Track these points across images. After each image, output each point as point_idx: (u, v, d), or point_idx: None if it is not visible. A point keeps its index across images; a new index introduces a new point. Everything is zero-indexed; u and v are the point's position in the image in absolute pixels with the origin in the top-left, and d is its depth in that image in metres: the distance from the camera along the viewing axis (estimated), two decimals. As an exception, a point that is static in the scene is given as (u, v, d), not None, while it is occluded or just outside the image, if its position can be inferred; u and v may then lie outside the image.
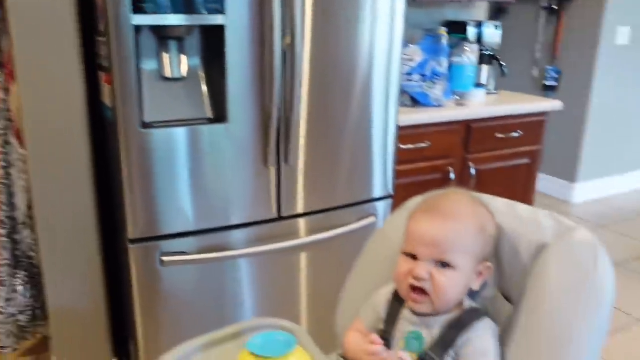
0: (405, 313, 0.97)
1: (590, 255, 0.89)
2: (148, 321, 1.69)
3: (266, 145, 1.67)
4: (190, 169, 1.59)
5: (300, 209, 1.81)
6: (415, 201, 1.05)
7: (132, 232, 1.58)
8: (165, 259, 1.62)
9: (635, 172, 4.27)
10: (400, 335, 0.95)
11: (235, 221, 1.71)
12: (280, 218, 1.79)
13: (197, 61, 1.63)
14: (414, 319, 0.95)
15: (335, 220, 1.88)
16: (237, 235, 1.73)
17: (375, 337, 0.92)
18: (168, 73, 1.56)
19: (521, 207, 1.02)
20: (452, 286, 0.92)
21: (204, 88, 1.63)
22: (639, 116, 4.08)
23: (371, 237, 1.18)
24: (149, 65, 1.56)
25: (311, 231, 1.85)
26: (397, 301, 0.99)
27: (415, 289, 0.92)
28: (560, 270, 0.90)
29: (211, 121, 1.62)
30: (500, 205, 1.04)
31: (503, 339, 0.93)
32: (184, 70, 1.59)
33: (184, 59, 1.59)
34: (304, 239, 1.82)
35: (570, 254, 0.90)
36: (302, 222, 1.84)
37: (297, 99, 1.64)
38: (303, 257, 1.88)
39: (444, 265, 0.91)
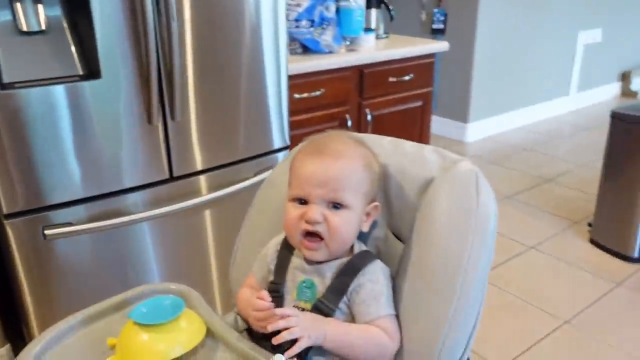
0: (296, 262, 0.94)
1: (472, 185, 0.90)
2: (40, 301, 1.58)
3: (148, 101, 1.56)
4: (66, 132, 1.46)
5: (198, 166, 1.74)
6: (297, 147, 1.00)
7: (6, 205, 1.44)
8: (48, 232, 1.51)
9: (522, 109, 4.51)
10: (293, 285, 0.92)
11: (125, 185, 1.61)
12: (173, 178, 1.70)
13: (57, 11, 1.47)
14: (305, 267, 0.92)
15: (235, 175, 1.83)
16: (130, 199, 1.63)
17: (264, 293, 0.88)
18: (24, 26, 1.39)
19: (407, 144, 1.01)
20: (347, 227, 0.89)
21: (70, 41, 1.48)
22: (523, 55, 4.28)
23: (259, 189, 1.13)
24: (0, 17, 1.39)
25: (211, 188, 1.79)
26: (286, 250, 0.96)
27: (308, 234, 0.89)
28: (446, 202, 0.90)
29: (82, 78, 1.48)
30: (385, 143, 1.02)
31: (397, 278, 0.93)
32: (42, 21, 1.42)
33: (40, 8, 1.42)
34: (202, 198, 1.76)
35: (454, 186, 0.91)
36: (201, 180, 1.77)
37: (176, 49, 1.54)
38: (207, 215, 1.83)
39: (336, 206, 0.88)
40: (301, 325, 0.81)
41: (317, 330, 0.82)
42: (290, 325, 0.80)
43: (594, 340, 2.04)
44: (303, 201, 0.89)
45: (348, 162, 0.90)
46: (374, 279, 0.89)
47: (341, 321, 0.88)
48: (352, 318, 0.89)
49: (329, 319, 0.87)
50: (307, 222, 0.88)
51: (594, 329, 2.09)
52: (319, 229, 0.88)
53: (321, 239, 0.88)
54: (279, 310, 0.83)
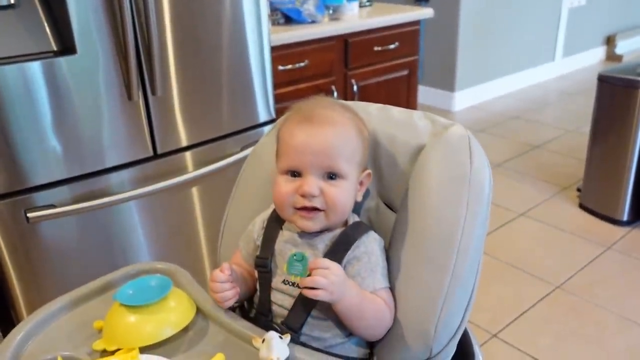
0: (286, 235, 0.90)
1: (465, 149, 0.87)
2: (27, 285, 1.54)
3: (127, 76, 1.51)
4: (44, 110, 1.41)
5: (182, 142, 1.70)
6: (282, 117, 0.96)
7: (-15, 189, 1.40)
8: (31, 215, 1.46)
9: (508, 76, 4.48)
10: (282, 259, 0.88)
11: (109, 164, 1.57)
12: (157, 155, 1.66)
13: (27, -16, 1.41)
14: (296, 240, 0.89)
15: (221, 151, 1.79)
16: (114, 179, 1.59)
17: (225, 265, 0.85)
18: (-8, 0, 1.33)
19: (395, 110, 0.98)
20: (345, 197, 0.85)
21: (42, 16, 1.42)
22: (507, 21, 4.24)
23: (245, 163, 1.10)
24: (-34, -9, 1.33)
25: (196, 165, 1.75)
26: (275, 223, 0.92)
27: (304, 208, 0.84)
28: (438, 168, 0.87)
29: (57, 54, 1.42)
30: (373, 110, 0.99)
31: (390, 249, 0.91)
32: (11, -5, 1.37)
33: (8, -19, 1.36)
34: (189, 175, 1.72)
35: (445, 152, 0.88)
36: (187, 156, 1.74)
37: (153, 21, 1.48)
38: (194, 192, 1.80)
39: (332, 176, 0.84)
40: (329, 279, 0.77)
41: (339, 289, 0.79)
42: (317, 274, 0.77)
43: (585, 304, 2.05)
44: (296, 173, 0.85)
45: (341, 129, 0.86)
46: (369, 251, 0.86)
47: (358, 287, 0.84)
48: None
49: (349, 281, 0.83)
50: (303, 196, 0.83)
51: (586, 293, 2.10)
52: (316, 203, 0.84)
53: (319, 211, 0.85)
54: (313, 263, 0.80)
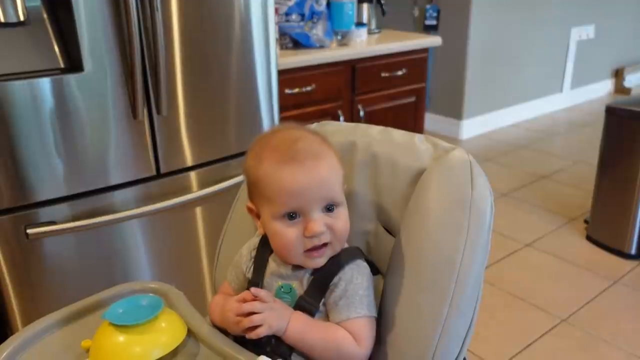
0: (272, 267, 0.88)
1: (467, 174, 0.85)
2: (25, 303, 1.53)
3: (133, 95, 1.51)
4: (50, 127, 1.41)
5: (187, 162, 1.70)
6: (252, 159, 0.88)
7: (-15, 204, 1.39)
8: (30, 231, 1.45)
9: (515, 106, 4.48)
10: (270, 292, 0.86)
11: (111, 182, 1.57)
12: (160, 175, 1.65)
13: (37, 1, 1.42)
14: (282, 273, 0.87)
15: (226, 172, 1.79)
16: (116, 197, 1.59)
17: (258, 291, 0.83)
18: (2, 17, 1.34)
19: (397, 133, 0.96)
20: (347, 223, 0.84)
21: (51, 33, 1.43)
22: (516, 52, 4.25)
23: (242, 185, 1.08)
24: (-23, 8, 1.34)
25: (200, 185, 1.75)
26: (262, 254, 0.90)
27: (314, 249, 0.82)
28: (438, 193, 0.85)
29: (64, 71, 1.43)
30: (375, 133, 0.97)
31: (387, 275, 0.89)
32: (21, 12, 1.38)
33: (19, -1, 1.38)
34: (192, 195, 1.72)
35: (446, 176, 0.86)
36: (191, 176, 1.73)
37: (160, 41, 1.49)
38: (197, 212, 1.79)
39: (330, 207, 0.82)
40: (264, 314, 0.78)
41: (278, 321, 0.79)
42: (254, 310, 0.78)
43: (592, 338, 2.00)
44: (294, 215, 0.82)
45: (328, 159, 0.84)
46: (347, 278, 0.83)
47: (308, 318, 0.83)
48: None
49: (297, 313, 0.82)
50: (313, 236, 0.81)
51: (591, 327, 2.05)
52: (325, 239, 0.82)
53: (326, 245, 0.83)
54: (244, 293, 0.80)
